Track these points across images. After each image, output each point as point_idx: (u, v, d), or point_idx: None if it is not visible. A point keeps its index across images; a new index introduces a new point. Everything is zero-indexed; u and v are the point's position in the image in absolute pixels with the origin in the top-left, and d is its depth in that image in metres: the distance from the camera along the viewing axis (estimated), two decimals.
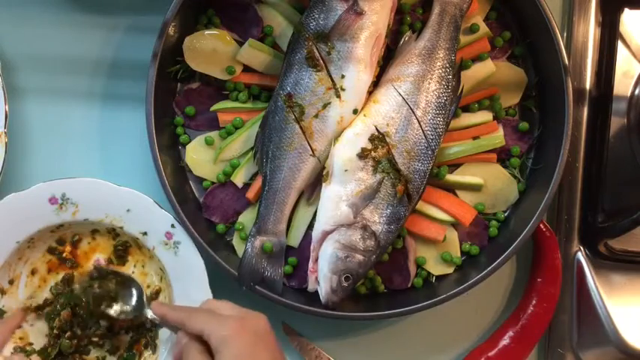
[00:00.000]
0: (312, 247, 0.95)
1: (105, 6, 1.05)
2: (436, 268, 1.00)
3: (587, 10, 1.05)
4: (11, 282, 1.00)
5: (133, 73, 1.03)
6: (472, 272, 0.97)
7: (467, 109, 1.01)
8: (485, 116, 1.01)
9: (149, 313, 0.92)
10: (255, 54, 0.98)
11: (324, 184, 0.94)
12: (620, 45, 1.04)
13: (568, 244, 1.04)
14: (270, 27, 0.99)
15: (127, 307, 0.95)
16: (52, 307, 1.00)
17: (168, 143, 1.00)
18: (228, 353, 0.76)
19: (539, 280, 1.02)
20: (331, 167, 0.93)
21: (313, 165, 0.95)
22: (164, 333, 0.99)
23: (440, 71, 0.95)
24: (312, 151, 0.95)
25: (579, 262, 1.03)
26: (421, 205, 0.98)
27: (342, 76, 0.93)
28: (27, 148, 1.04)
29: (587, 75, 1.05)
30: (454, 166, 1.01)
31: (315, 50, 0.93)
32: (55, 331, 0.98)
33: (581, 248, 1.04)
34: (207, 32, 0.99)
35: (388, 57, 0.98)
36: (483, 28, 1.00)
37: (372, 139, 0.93)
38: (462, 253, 1.01)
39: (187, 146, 1.01)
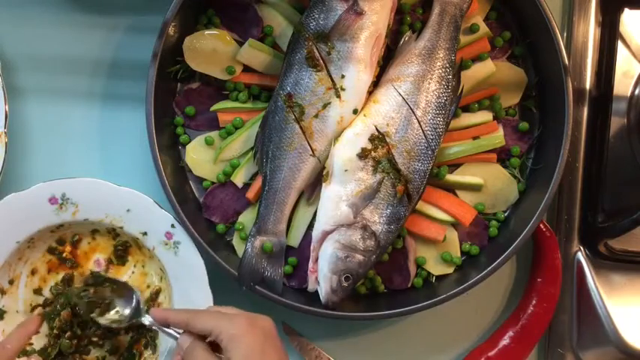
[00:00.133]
0: (312, 247, 0.95)
1: (105, 6, 1.05)
2: (436, 268, 1.00)
3: (587, 10, 1.05)
4: (11, 282, 1.00)
5: (133, 73, 1.03)
6: (472, 272, 0.97)
7: (467, 109, 1.01)
8: (485, 116, 1.01)
9: (146, 320, 0.92)
10: (255, 54, 0.98)
11: (324, 184, 0.94)
12: (620, 45, 1.04)
13: (568, 244, 1.04)
14: (270, 27, 0.99)
15: (122, 315, 0.95)
16: (52, 307, 1.00)
17: (168, 143, 1.00)
18: (240, 351, 0.76)
19: (539, 280, 1.02)
20: (331, 167, 0.93)
21: (313, 165, 0.95)
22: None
23: (440, 71, 0.95)
24: (312, 151, 0.95)
25: (579, 262, 1.03)
26: (421, 205, 0.98)
27: (342, 76, 0.93)
28: (27, 148, 1.04)
29: (587, 75, 1.05)
30: (454, 166, 1.01)
31: (315, 50, 0.93)
32: (55, 331, 0.98)
33: (581, 248, 1.04)
34: (207, 32, 0.99)
35: (388, 57, 0.98)
36: (483, 28, 1.00)
37: (372, 139, 0.93)
38: (462, 253, 1.01)
39: (187, 146, 1.01)
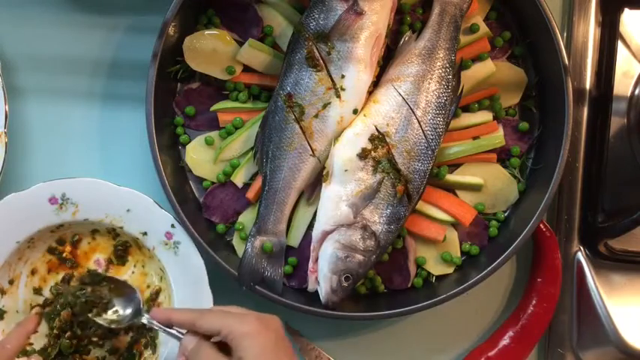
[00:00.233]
0: (312, 247, 0.95)
1: (105, 6, 1.05)
2: (436, 268, 1.00)
3: (587, 10, 1.05)
4: (11, 282, 1.00)
5: (133, 73, 1.03)
6: (472, 272, 0.97)
7: (467, 109, 1.01)
8: (485, 116, 1.01)
9: (147, 320, 0.91)
10: (255, 54, 0.98)
11: (324, 184, 0.94)
12: (620, 45, 1.04)
13: (568, 244, 1.04)
14: (270, 27, 0.99)
15: (121, 315, 0.95)
16: (52, 307, 1.00)
17: (168, 143, 1.00)
18: (253, 350, 0.75)
19: (539, 280, 1.02)
20: (331, 167, 0.93)
21: (313, 165, 0.95)
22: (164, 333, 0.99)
23: (440, 71, 0.95)
24: (312, 151, 0.95)
25: (579, 262, 1.03)
26: (421, 205, 0.98)
27: (342, 76, 0.93)
28: (27, 148, 1.04)
29: (587, 75, 1.05)
30: (454, 166, 1.01)
31: (315, 50, 0.93)
32: (55, 331, 0.98)
33: (581, 248, 1.04)
34: (207, 32, 0.99)
35: (388, 57, 0.98)
36: (483, 28, 1.00)
37: (372, 139, 0.93)
38: (462, 253, 1.01)
39: (187, 146, 1.01)
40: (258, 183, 0.98)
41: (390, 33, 0.98)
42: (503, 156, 1.02)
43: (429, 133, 0.94)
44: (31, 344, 0.99)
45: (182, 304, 0.96)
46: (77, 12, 1.05)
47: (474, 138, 1.01)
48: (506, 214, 1.02)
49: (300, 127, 0.94)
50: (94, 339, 1.00)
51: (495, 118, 1.02)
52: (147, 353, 1.00)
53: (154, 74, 0.95)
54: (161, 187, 0.95)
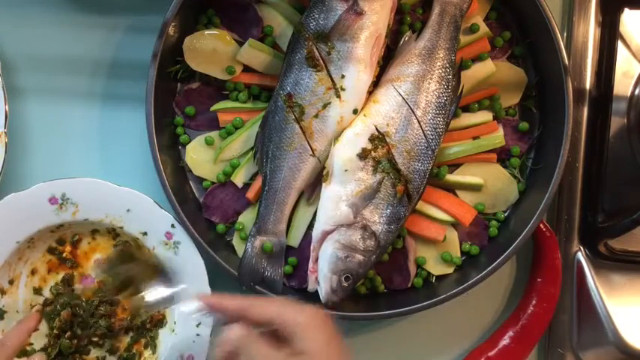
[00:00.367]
0: (312, 247, 0.95)
1: (105, 6, 1.05)
2: (436, 268, 1.00)
3: (587, 10, 1.05)
4: (11, 282, 1.00)
5: (133, 73, 1.03)
6: (472, 272, 0.97)
7: (467, 109, 1.01)
8: (485, 116, 1.01)
9: (184, 307, 0.86)
10: (255, 54, 0.98)
11: (324, 184, 0.94)
12: (620, 45, 1.04)
13: (568, 244, 1.04)
14: (270, 27, 0.99)
15: (154, 299, 0.92)
16: (52, 307, 1.00)
17: (168, 143, 1.00)
18: (316, 343, 0.73)
19: (539, 280, 1.02)
20: (331, 167, 0.93)
21: (313, 165, 0.95)
22: (164, 333, 0.99)
23: (440, 71, 0.95)
24: (312, 151, 0.95)
25: (579, 262, 1.03)
26: (421, 205, 0.98)
27: (342, 76, 0.93)
28: (27, 148, 1.04)
29: (587, 75, 1.05)
30: (454, 166, 1.01)
31: (315, 50, 0.93)
32: (55, 331, 0.98)
33: (581, 248, 1.04)
34: (207, 32, 0.99)
35: (388, 57, 0.98)
36: (483, 28, 1.00)
37: (372, 139, 0.93)
38: (462, 253, 1.01)
39: (187, 146, 1.01)
40: (258, 183, 0.98)
41: (390, 33, 0.98)
42: (503, 156, 1.02)
43: (429, 133, 0.94)
44: (31, 344, 0.99)
45: (181, 303, 0.96)
46: (77, 12, 1.05)
47: (474, 138, 1.01)
48: (506, 214, 1.02)
49: (300, 127, 0.94)
50: (94, 339, 1.00)
51: (495, 118, 1.02)
52: (147, 353, 1.00)
53: (154, 74, 0.95)
54: (161, 187, 0.95)
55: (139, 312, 0.96)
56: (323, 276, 0.93)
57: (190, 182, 1.02)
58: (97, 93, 1.05)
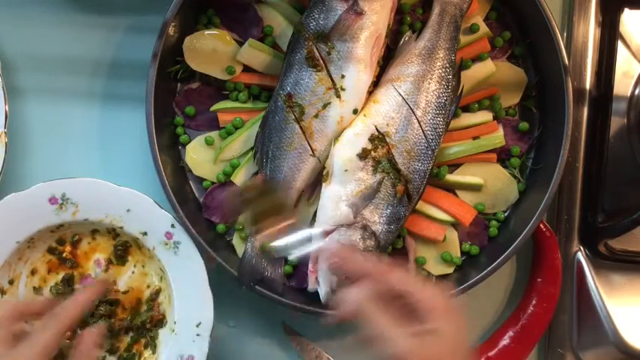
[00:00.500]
0: None
1: (105, 6, 1.05)
2: (436, 268, 1.00)
3: (587, 10, 1.05)
4: (11, 282, 1.00)
5: (133, 73, 1.03)
6: (472, 272, 0.97)
7: (467, 109, 1.01)
8: (485, 116, 1.01)
9: (313, 248, 0.82)
10: (255, 54, 0.99)
11: (324, 184, 0.94)
12: (620, 45, 1.04)
13: (568, 244, 1.04)
14: (270, 27, 0.99)
15: (285, 242, 0.89)
16: None
17: (168, 143, 1.00)
18: (450, 327, 0.71)
19: (539, 280, 1.02)
20: (331, 167, 0.93)
21: (313, 165, 0.95)
22: (164, 333, 0.99)
23: (440, 71, 0.95)
24: (312, 151, 0.95)
25: (579, 262, 1.03)
26: (421, 205, 0.98)
27: (342, 76, 0.93)
28: (27, 148, 1.04)
29: (587, 75, 1.05)
30: (454, 166, 1.01)
31: (315, 50, 0.93)
32: None
33: (581, 248, 1.04)
34: (207, 32, 0.99)
35: (388, 57, 0.98)
36: (483, 28, 1.00)
37: (372, 139, 0.93)
38: (462, 253, 1.01)
39: (187, 146, 1.01)
40: None
41: (390, 33, 0.98)
42: (503, 156, 1.02)
43: (429, 133, 0.94)
44: None
45: (182, 304, 0.96)
46: (77, 12, 1.05)
47: (474, 138, 1.01)
48: (506, 214, 1.02)
49: (300, 127, 0.94)
50: None
51: (495, 118, 1.02)
52: (147, 353, 1.00)
53: (154, 74, 0.95)
54: (161, 187, 0.95)
55: (266, 250, 0.94)
56: (323, 276, 0.92)
57: (190, 182, 1.02)
58: (97, 93, 1.05)
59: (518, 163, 1.02)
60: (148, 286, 1.01)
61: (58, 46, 1.05)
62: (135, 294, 1.01)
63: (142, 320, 1.00)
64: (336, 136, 0.94)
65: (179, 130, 1.02)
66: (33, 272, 1.01)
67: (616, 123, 1.03)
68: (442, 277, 1.00)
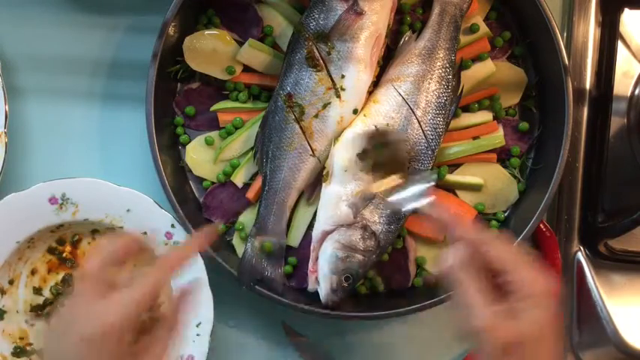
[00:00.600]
0: (312, 247, 0.95)
1: (105, 6, 1.05)
2: (436, 268, 1.00)
3: (587, 10, 1.05)
4: (11, 282, 1.00)
5: (133, 73, 1.03)
6: None
7: (467, 109, 1.01)
8: (485, 116, 1.01)
9: (426, 202, 0.80)
10: (255, 54, 0.99)
11: (324, 184, 0.94)
12: (620, 45, 1.04)
13: (568, 244, 1.04)
14: (270, 27, 0.99)
15: (407, 189, 0.85)
16: (52, 307, 1.00)
17: (168, 143, 1.00)
18: (541, 311, 0.68)
19: None
20: (331, 167, 0.93)
21: (313, 165, 0.95)
22: None
23: (440, 71, 0.95)
24: (312, 151, 0.95)
25: (579, 262, 1.03)
26: None
27: (342, 76, 0.93)
28: (27, 148, 1.04)
29: (587, 75, 1.05)
30: (454, 166, 1.01)
31: (315, 50, 0.93)
32: None
33: (581, 248, 1.04)
34: (207, 32, 0.99)
35: (388, 57, 0.98)
36: (483, 28, 1.00)
37: None
38: None
39: (187, 146, 1.01)
40: (258, 183, 0.98)
41: (390, 33, 0.98)
42: (503, 156, 1.02)
43: (429, 133, 0.94)
44: (31, 344, 0.99)
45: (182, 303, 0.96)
46: (77, 12, 1.05)
47: (474, 138, 1.01)
48: (506, 214, 1.02)
49: (300, 127, 0.94)
50: None
51: (495, 118, 1.02)
52: None
53: (154, 74, 0.95)
54: (161, 187, 0.95)
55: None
56: (323, 276, 0.93)
57: (190, 182, 1.02)
58: (97, 93, 1.05)
59: (518, 163, 1.02)
60: None
61: (58, 46, 1.05)
62: None
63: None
64: (336, 136, 0.94)
65: (179, 130, 1.02)
66: (33, 272, 1.01)
67: (616, 123, 1.03)
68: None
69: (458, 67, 0.97)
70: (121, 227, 0.97)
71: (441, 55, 0.95)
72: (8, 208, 0.95)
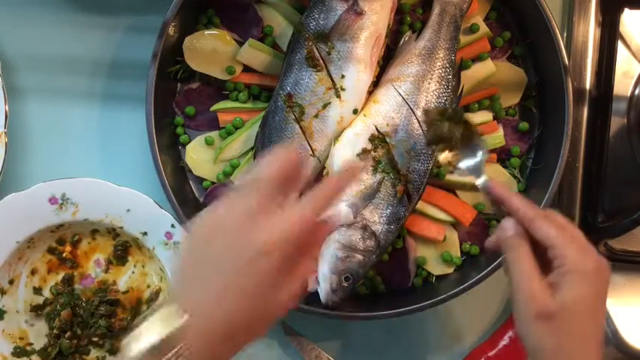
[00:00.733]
0: None
1: (105, 6, 1.05)
2: (436, 268, 1.00)
3: (587, 10, 1.05)
4: (11, 282, 1.00)
5: (133, 73, 1.03)
6: (472, 272, 0.97)
7: (467, 109, 1.01)
8: (485, 116, 1.01)
9: (482, 181, 0.80)
10: (255, 54, 0.98)
11: None
12: (620, 45, 1.04)
13: None
14: (270, 27, 0.99)
15: (467, 164, 0.84)
16: (52, 307, 1.00)
17: (168, 143, 1.00)
18: (581, 290, 0.69)
19: None
20: (331, 167, 0.93)
21: (313, 165, 0.95)
22: None
23: (440, 71, 0.95)
24: (312, 151, 0.95)
25: None
26: (421, 205, 0.98)
27: (342, 76, 0.93)
28: (27, 148, 1.04)
29: (587, 75, 1.05)
30: None
31: (315, 50, 0.93)
32: (55, 331, 0.98)
33: None
34: (207, 32, 0.99)
35: (388, 57, 0.98)
36: (483, 28, 1.00)
37: (372, 139, 0.93)
38: (462, 253, 1.01)
39: (187, 146, 1.01)
40: None
41: (390, 33, 0.98)
42: (503, 156, 1.02)
43: None
44: (31, 344, 0.99)
45: None
46: (77, 12, 1.05)
47: None
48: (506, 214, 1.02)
49: (300, 127, 0.94)
50: (94, 339, 1.00)
51: (495, 118, 1.02)
52: None
53: (154, 74, 0.95)
54: (161, 187, 0.95)
55: (447, 168, 0.92)
56: (323, 276, 0.92)
57: (190, 182, 1.02)
58: (97, 93, 1.05)
59: (518, 163, 1.02)
60: (148, 286, 1.01)
61: (58, 46, 1.05)
62: (135, 294, 1.01)
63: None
64: (336, 136, 0.94)
65: (179, 130, 1.01)
66: (33, 272, 1.01)
67: (616, 123, 1.03)
68: (442, 277, 1.00)
69: (458, 67, 0.97)
70: (121, 227, 0.97)
71: (441, 55, 0.95)
72: (8, 208, 0.95)
